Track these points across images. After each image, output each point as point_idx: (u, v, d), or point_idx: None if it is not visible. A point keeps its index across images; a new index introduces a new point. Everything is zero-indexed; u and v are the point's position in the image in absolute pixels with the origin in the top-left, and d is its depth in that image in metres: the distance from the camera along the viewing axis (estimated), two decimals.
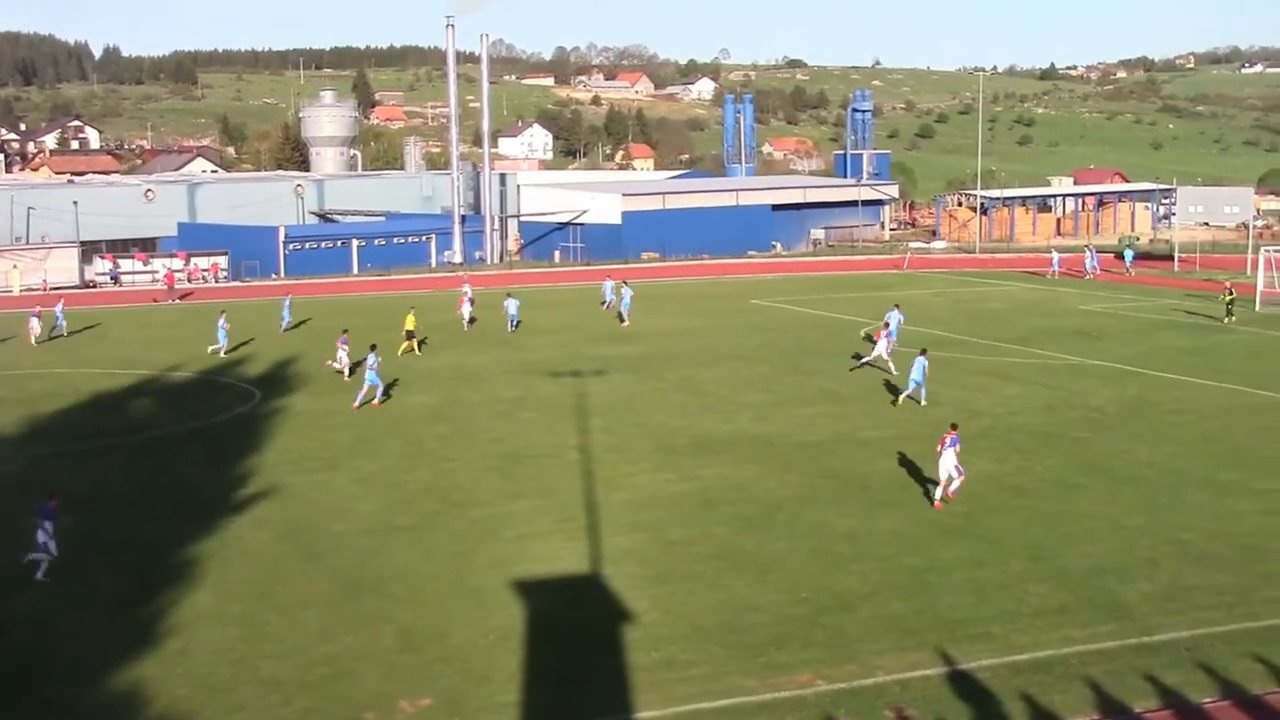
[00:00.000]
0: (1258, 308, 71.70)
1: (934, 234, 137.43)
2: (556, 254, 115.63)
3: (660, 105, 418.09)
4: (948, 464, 33.05)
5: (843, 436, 41.03)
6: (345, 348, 51.97)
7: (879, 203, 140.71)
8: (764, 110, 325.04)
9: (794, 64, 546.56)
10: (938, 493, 33.29)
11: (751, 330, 65.53)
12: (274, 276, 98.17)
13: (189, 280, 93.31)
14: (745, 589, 26.87)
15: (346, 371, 51.28)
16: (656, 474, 36.51)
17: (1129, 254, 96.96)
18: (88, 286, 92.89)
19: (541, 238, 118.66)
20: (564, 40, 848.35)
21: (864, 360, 53.06)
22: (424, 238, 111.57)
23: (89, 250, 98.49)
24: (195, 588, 27.23)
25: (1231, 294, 68.68)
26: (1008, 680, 22.17)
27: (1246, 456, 38.02)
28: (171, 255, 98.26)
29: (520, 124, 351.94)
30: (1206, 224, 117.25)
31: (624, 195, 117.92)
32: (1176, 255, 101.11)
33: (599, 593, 26.93)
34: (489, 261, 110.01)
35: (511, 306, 66.92)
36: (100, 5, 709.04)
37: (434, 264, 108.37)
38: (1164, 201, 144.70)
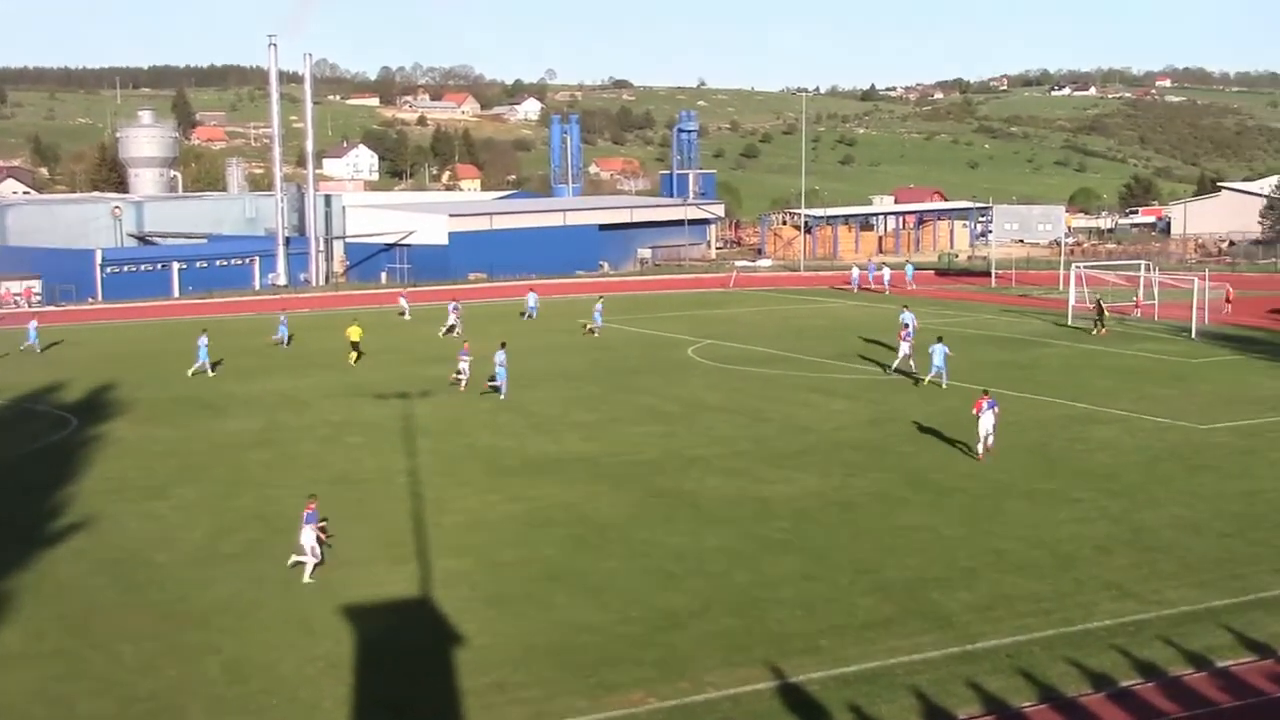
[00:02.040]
0: (1070, 322, 73.91)
1: (759, 252, 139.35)
2: (383, 275, 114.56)
3: (486, 125, 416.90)
4: (987, 424, 39.60)
5: (671, 454, 41.24)
6: (467, 358, 53.84)
7: (705, 222, 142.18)
8: (590, 130, 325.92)
9: (619, 84, 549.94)
10: (979, 449, 39.65)
11: (579, 350, 65.56)
12: (90, 301, 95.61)
13: None
14: (577, 609, 26.83)
15: (464, 382, 53.18)
16: (486, 495, 36.30)
17: (909, 269, 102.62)
18: None
19: (368, 259, 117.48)
20: (389, 60, 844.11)
21: (896, 365, 56.46)
22: (247, 260, 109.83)
23: None
24: (3, 625, 26.27)
25: (1101, 307, 71.21)
26: (836, 692, 22.46)
27: (1062, 467, 39.15)
28: None
29: (345, 144, 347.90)
30: (1021, 241, 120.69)
31: (451, 216, 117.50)
32: (993, 271, 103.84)
33: (429, 616, 26.67)
34: (314, 284, 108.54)
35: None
36: None
37: (258, 286, 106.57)
38: (981, 219, 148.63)
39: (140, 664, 24.19)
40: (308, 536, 29.21)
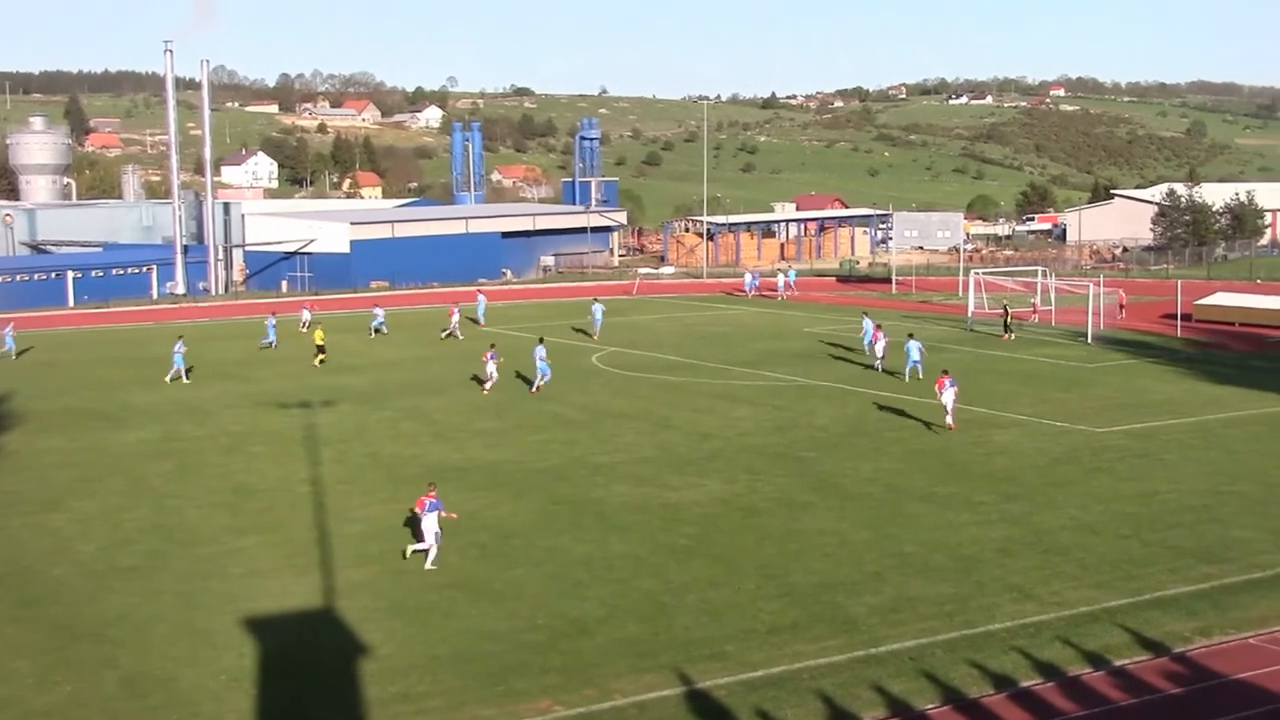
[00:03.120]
0: (969, 328, 74.77)
1: (662, 260, 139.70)
2: (284, 284, 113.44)
3: (387, 133, 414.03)
4: (949, 399, 44.84)
5: (575, 462, 41.21)
6: (495, 360, 54.31)
7: (608, 229, 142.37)
8: (492, 138, 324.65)
9: (521, 92, 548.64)
10: (948, 419, 44.90)
11: (481, 357, 65.17)
12: None
13: None
14: (481, 617, 26.70)
15: (490, 385, 53.97)
16: (389, 504, 36.00)
17: (792, 274, 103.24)
18: None
19: (268, 267, 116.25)
20: (288, 67, 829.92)
21: (879, 364, 58.98)
22: (145, 268, 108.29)
23: None
24: None
25: (1008, 312, 72.37)
26: (743, 698, 22.53)
27: (961, 471, 39.59)
28: None
29: (244, 152, 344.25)
30: (921, 248, 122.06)
31: (352, 224, 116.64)
32: (894, 278, 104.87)
33: (333, 627, 26.41)
34: (214, 292, 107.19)
35: (598, 312, 73.86)
36: None
37: (156, 295, 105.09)
38: (881, 226, 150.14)
39: (35, 679, 23.70)
40: (431, 523, 29.99)
